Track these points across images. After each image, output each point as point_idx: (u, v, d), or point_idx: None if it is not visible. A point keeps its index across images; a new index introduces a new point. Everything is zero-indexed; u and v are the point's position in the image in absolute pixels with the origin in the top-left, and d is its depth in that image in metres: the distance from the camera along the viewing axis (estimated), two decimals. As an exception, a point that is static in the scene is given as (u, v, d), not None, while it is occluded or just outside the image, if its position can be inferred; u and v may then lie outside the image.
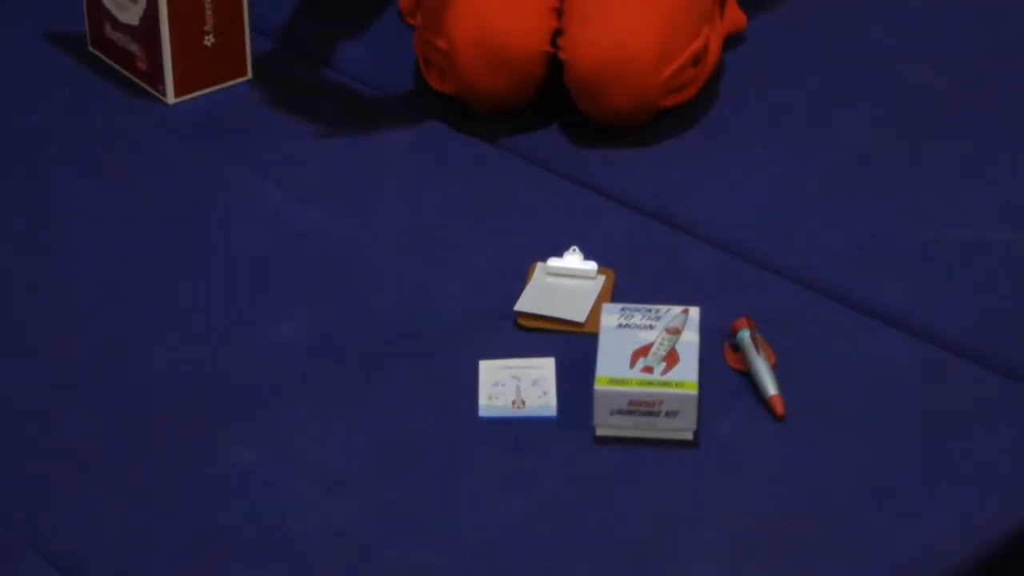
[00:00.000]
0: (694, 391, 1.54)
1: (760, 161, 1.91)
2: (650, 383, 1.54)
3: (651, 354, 1.58)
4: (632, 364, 1.57)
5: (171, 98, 2.02)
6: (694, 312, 1.63)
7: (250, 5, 2.03)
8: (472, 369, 1.63)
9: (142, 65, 2.03)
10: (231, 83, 2.05)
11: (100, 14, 2.06)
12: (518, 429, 1.57)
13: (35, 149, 1.95)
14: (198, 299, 1.73)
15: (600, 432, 1.56)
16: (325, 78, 2.07)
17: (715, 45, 1.97)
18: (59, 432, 1.57)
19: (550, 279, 1.73)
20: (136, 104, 2.02)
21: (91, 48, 2.11)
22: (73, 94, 2.04)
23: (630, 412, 1.54)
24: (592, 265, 1.74)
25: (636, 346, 1.59)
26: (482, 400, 1.59)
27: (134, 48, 2.03)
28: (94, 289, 1.75)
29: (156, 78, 2.02)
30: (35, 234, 1.83)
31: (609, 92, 1.88)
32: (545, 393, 1.60)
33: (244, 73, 2.06)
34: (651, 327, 1.61)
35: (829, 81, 2.02)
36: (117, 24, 2.04)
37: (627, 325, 1.61)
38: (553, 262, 1.74)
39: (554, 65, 1.92)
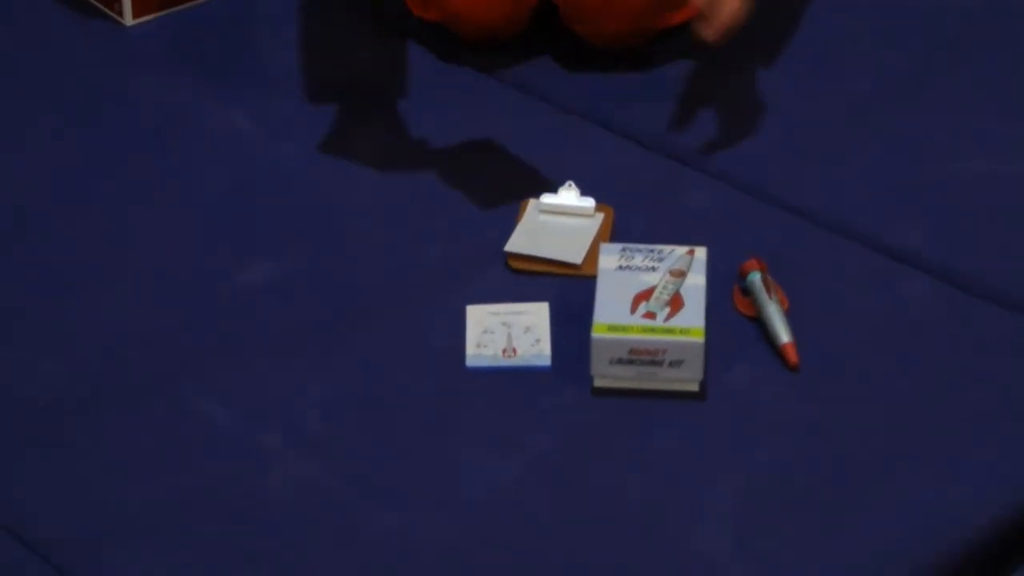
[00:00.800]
0: (700, 339, 1.53)
1: (773, 91, 1.91)
2: (653, 330, 1.54)
3: (654, 298, 1.57)
4: (633, 309, 1.56)
5: (129, 19, 2.01)
6: (700, 253, 1.62)
7: (215, -82, 2.04)
8: (459, 315, 1.62)
9: (97, -16, 2.02)
10: (195, 3, 2.04)
11: (51, -71, 2.05)
12: (509, 380, 1.57)
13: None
14: (162, 242, 1.72)
15: (598, 383, 1.55)
16: (297, -1, 2.06)
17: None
18: (13, 388, 1.56)
19: (543, 217, 1.72)
20: (90, 26, 2.01)
21: (41, -34, 2.09)
22: (20, 15, 2.03)
23: (631, 361, 1.53)
24: (589, 202, 1.73)
25: (637, 290, 1.58)
26: (470, 349, 1.59)
27: (88, -35, 2.02)
28: (46, 228, 1.74)
29: (112, -2, 2.01)
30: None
31: (600, 10, 1.86)
32: (538, 341, 1.59)
33: (209, -7, 2.05)
34: (654, 269, 1.60)
35: (849, 10, 2.02)
36: (69, -60, 2.03)
37: (628, 267, 1.61)
38: (547, 198, 1.74)
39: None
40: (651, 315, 1.55)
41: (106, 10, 2.01)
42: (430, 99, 1.90)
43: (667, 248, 1.62)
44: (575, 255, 1.68)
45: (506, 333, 1.60)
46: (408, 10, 1.97)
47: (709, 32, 1.72)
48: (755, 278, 1.63)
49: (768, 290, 1.62)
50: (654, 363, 1.53)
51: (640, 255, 1.62)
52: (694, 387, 1.55)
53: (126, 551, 1.42)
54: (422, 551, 1.42)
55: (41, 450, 1.51)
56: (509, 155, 1.82)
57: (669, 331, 1.53)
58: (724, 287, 1.64)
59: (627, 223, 1.72)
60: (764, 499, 1.46)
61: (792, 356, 1.57)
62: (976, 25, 2.02)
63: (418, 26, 1.98)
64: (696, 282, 1.59)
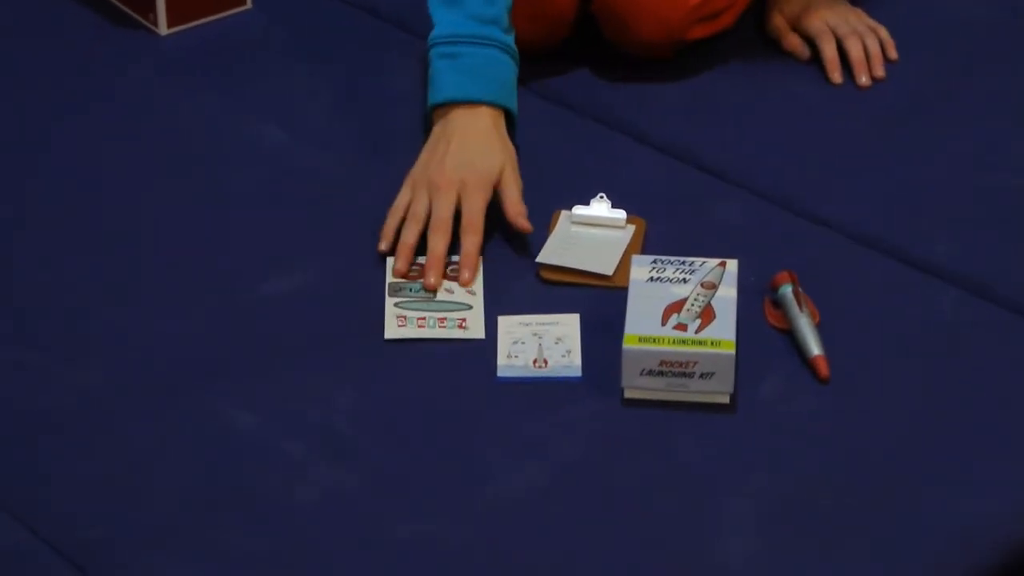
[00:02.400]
0: (731, 351, 1.54)
1: (803, 104, 1.92)
2: (683, 342, 1.55)
3: (685, 310, 1.58)
4: (664, 321, 1.57)
5: (163, 29, 2.02)
6: (732, 265, 1.63)
7: (250, -72, 2.05)
8: (490, 326, 1.63)
9: (132, -8, 2.04)
10: (229, 13, 2.05)
11: (85, -63, 2.07)
12: (540, 391, 1.58)
13: (14, 85, 1.96)
14: (193, 248, 1.73)
15: (629, 394, 1.57)
16: (331, 8, 2.07)
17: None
18: (41, 392, 1.58)
19: (575, 228, 1.73)
20: (124, 35, 2.03)
21: (75, -26, 2.11)
22: (54, 24, 2.05)
23: (661, 373, 1.55)
24: (621, 213, 1.74)
25: (668, 301, 1.59)
26: (501, 359, 1.60)
27: (122, -26, 2.04)
28: (78, 236, 1.75)
29: (147, 7, 2.01)
30: (16, 174, 1.83)
31: (630, 17, 1.88)
32: (569, 352, 1.60)
33: (243, 2, 2.06)
34: (685, 281, 1.61)
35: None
36: (104, -52, 2.05)
37: (659, 279, 1.62)
38: (579, 210, 1.74)
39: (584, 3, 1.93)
40: (682, 327, 1.55)
41: (141, 19, 2.02)
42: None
43: (698, 260, 1.63)
44: (606, 266, 1.68)
45: (537, 344, 1.60)
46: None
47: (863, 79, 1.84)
48: (786, 291, 1.64)
49: (799, 303, 1.62)
50: (685, 375, 1.54)
51: (671, 267, 1.62)
52: (724, 399, 1.56)
53: (150, 556, 1.43)
54: (447, 558, 1.43)
55: (66, 454, 1.52)
56: (541, 166, 1.81)
57: (700, 343, 1.54)
58: (755, 299, 1.65)
59: (658, 235, 1.72)
60: (792, 511, 1.47)
61: (823, 369, 1.58)
62: (1001, 36, 2.01)
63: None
64: (727, 294, 1.59)
